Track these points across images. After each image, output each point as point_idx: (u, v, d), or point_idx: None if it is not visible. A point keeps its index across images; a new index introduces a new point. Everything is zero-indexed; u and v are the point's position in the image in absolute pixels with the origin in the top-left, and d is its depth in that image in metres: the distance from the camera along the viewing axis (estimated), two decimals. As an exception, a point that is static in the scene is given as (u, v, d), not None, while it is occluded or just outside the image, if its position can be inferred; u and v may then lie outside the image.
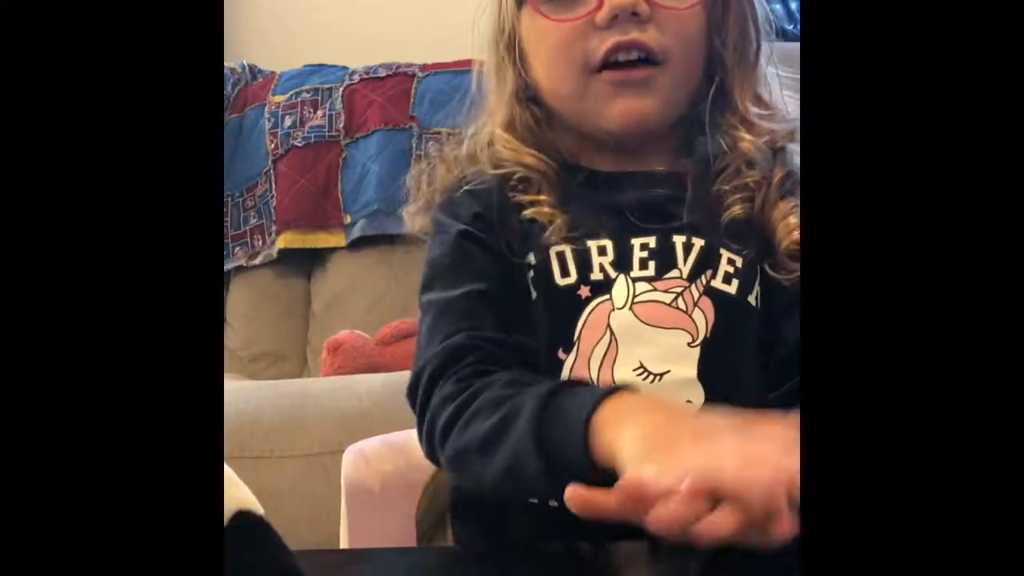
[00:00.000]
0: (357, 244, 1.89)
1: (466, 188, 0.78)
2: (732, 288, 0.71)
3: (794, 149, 0.77)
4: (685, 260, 0.72)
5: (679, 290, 0.71)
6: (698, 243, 0.72)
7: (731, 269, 0.72)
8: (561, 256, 0.73)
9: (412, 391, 0.72)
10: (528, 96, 0.80)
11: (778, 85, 0.79)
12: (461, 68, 1.81)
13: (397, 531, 0.84)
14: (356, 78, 1.98)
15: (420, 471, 0.81)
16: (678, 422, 0.57)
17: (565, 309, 0.72)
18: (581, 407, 0.59)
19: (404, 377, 0.78)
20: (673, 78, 0.74)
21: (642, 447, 0.54)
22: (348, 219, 1.89)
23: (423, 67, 1.96)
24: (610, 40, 0.72)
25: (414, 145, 1.89)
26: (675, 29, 0.73)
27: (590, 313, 0.72)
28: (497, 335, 0.71)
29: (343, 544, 0.82)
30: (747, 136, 0.74)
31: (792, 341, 0.70)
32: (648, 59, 0.73)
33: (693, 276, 0.72)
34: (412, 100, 1.93)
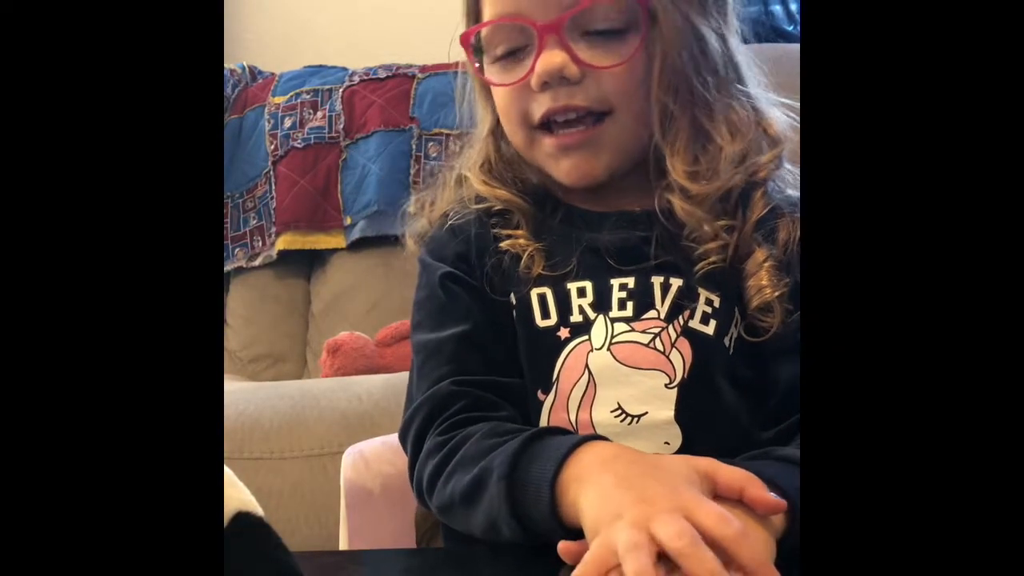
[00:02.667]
0: (357, 245, 1.89)
1: (448, 224, 0.80)
2: (710, 329, 0.71)
3: (780, 176, 0.75)
4: (663, 300, 0.72)
5: (657, 330, 0.71)
6: (676, 283, 0.72)
7: (708, 309, 0.71)
8: (542, 298, 0.74)
9: (403, 436, 0.73)
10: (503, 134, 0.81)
11: (751, 109, 0.76)
12: (461, 69, 1.81)
13: (396, 532, 0.84)
14: (356, 79, 1.98)
15: (420, 472, 0.81)
16: (630, 481, 0.55)
17: (544, 350, 0.72)
18: (546, 468, 0.59)
19: (404, 378, 0.78)
20: (620, 127, 0.74)
21: (596, 514, 0.54)
22: (348, 220, 1.90)
23: (423, 68, 1.96)
24: (544, 106, 0.73)
25: (414, 146, 1.89)
26: (611, 84, 0.73)
27: (569, 354, 0.72)
28: (484, 378, 0.72)
29: (342, 545, 0.82)
30: (677, 202, 0.73)
31: (784, 382, 0.69)
32: (590, 114, 0.73)
33: (671, 316, 0.71)
34: (412, 101, 1.93)
